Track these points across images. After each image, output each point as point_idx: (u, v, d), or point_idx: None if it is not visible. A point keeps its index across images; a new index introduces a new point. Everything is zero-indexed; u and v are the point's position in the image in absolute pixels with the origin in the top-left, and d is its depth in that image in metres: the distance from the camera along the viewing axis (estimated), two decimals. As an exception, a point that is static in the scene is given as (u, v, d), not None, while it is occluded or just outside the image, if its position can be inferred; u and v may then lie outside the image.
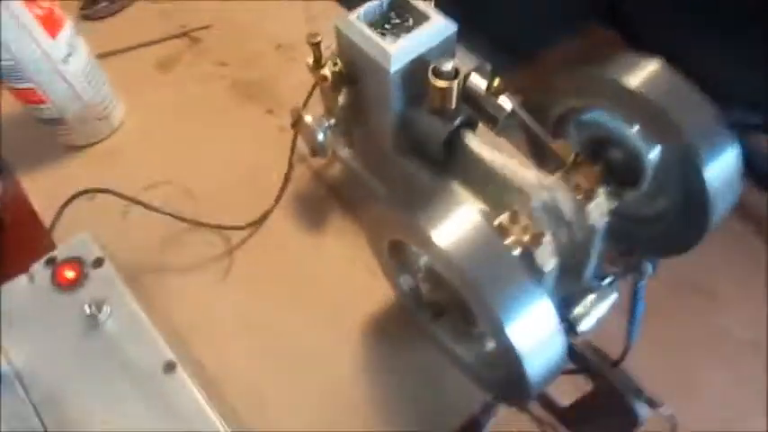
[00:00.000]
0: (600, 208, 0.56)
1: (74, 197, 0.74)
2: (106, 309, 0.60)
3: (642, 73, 0.54)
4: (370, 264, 0.67)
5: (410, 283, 0.62)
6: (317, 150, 0.68)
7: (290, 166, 0.77)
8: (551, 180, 0.57)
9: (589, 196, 0.56)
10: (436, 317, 0.56)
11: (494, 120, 0.59)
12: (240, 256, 0.73)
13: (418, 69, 0.58)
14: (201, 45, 0.94)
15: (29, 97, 0.74)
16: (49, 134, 0.80)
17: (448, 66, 0.56)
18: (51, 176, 0.79)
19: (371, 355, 0.65)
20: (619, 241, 0.63)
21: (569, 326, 0.57)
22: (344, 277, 0.70)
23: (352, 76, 0.63)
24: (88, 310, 0.59)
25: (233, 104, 0.86)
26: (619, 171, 0.58)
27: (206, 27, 0.95)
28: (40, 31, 0.70)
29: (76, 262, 0.63)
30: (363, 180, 0.75)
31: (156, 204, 0.71)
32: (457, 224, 0.48)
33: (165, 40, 0.93)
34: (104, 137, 0.83)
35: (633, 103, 0.54)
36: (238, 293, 0.70)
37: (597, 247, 0.57)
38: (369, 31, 0.58)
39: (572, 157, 0.59)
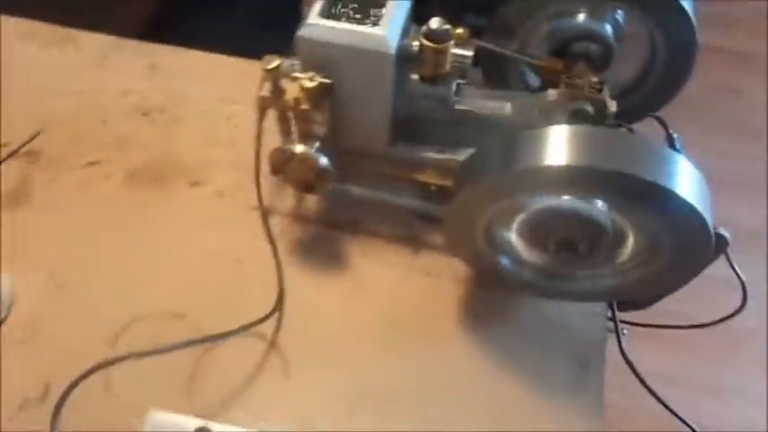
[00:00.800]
0: (609, 95, 0.60)
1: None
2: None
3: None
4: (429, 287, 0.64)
5: (525, 248, 0.58)
6: (317, 182, 0.60)
7: (265, 221, 0.66)
8: (569, 92, 0.59)
9: (598, 89, 0.60)
10: (572, 257, 0.54)
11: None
12: (287, 341, 0.61)
13: (404, 43, 0.54)
14: (45, 156, 0.74)
15: None
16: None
17: (437, 25, 0.54)
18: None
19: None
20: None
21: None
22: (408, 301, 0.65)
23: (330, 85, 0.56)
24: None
25: (146, 199, 0.71)
26: (591, 59, 0.64)
27: (37, 134, 0.75)
28: None
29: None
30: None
31: (145, 347, 0.55)
32: (568, 140, 0.47)
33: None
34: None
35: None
36: (311, 373, 0.59)
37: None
38: (346, 25, 0.53)
39: (560, 65, 0.62)
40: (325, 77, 0.55)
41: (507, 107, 0.62)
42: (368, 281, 0.65)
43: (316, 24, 0.53)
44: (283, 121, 0.61)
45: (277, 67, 0.55)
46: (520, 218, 0.54)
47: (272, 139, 0.63)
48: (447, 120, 0.60)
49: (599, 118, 0.60)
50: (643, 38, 0.64)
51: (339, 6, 0.55)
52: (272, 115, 0.62)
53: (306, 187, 0.61)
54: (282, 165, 0.59)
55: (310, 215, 0.69)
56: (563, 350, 0.61)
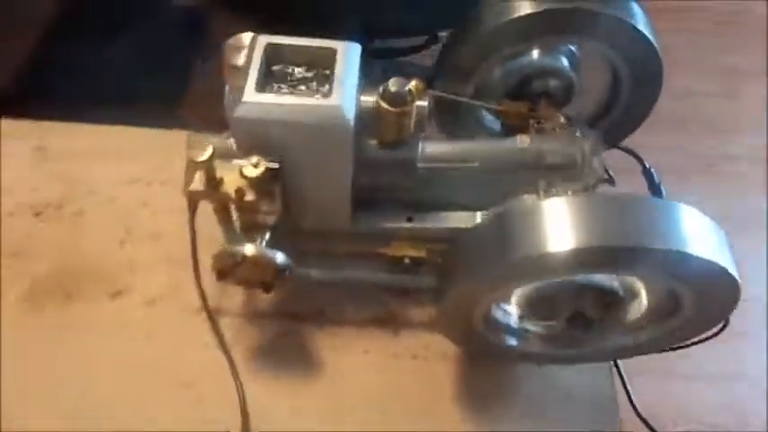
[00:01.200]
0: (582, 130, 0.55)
1: None
2: None
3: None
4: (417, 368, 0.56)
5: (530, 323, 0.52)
6: (275, 281, 0.50)
7: (215, 326, 0.56)
8: (541, 138, 0.53)
9: (565, 127, 0.55)
10: (584, 327, 0.48)
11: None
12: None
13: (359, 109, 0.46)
14: None
15: None
16: None
17: (398, 87, 0.46)
18: None
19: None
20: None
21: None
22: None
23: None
24: None
25: (54, 320, 0.57)
26: (551, 96, 0.59)
27: None
28: None
29: None
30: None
31: None
32: (568, 218, 0.41)
33: None
34: None
35: (538, 23, 0.54)
36: None
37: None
38: (291, 99, 0.44)
39: (525, 108, 0.56)
40: (272, 161, 0.46)
41: (475, 159, 0.56)
42: (346, 378, 0.56)
43: (254, 102, 0.43)
44: (223, 212, 0.51)
45: (210, 158, 0.44)
46: (522, 298, 0.48)
47: (206, 225, 0.52)
48: (411, 183, 0.53)
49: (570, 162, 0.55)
50: (601, 66, 0.59)
51: (276, 76, 0.46)
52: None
53: (262, 287, 0.51)
54: (231, 269, 0.49)
55: (266, 310, 0.59)
56: (575, 419, 0.55)
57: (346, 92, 0.44)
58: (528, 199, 0.51)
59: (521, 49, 0.58)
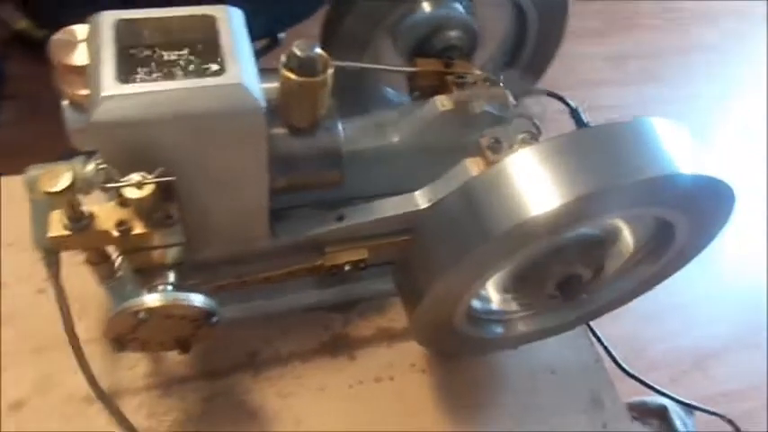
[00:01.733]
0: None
1: None
2: None
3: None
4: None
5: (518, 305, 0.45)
6: (198, 332, 0.37)
7: (121, 419, 0.42)
8: (462, 94, 0.46)
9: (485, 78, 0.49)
10: (571, 289, 0.41)
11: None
12: None
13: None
14: None
15: None
16: None
17: (305, 50, 0.36)
18: None
19: None
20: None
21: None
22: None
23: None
24: None
25: None
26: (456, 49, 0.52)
27: None
28: None
29: None
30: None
31: None
32: (539, 173, 0.34)
33: None
34: None
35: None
36: None
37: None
38: (171, 84, 0.32)
39: (441, 65, 0.49)
40: (162, 175, 0.33)
41: (394, 134, 0.48)
42: (306, 425, 0.45)
43: (118, 96, 0.31)
44: (100, 262, 0.37)
45: (71, 186, 0.31)
46: (504, 279, 0.40)
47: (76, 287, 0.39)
48: (338, 175, 0.43)
49: (503, 114, 0.49)
50: (504, 9, 0.54)
51: (137, 62, 0.34)
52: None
53: (178, 347, 0.38)
54: (131, 333, 0.35)
55: (182, 373, 0.46)
56: (570, 394, 0.49)
57: (244, 66, 0.33)
58: (473, 163, 0.44)
59: (409, 7, 0.51)
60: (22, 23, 1.25)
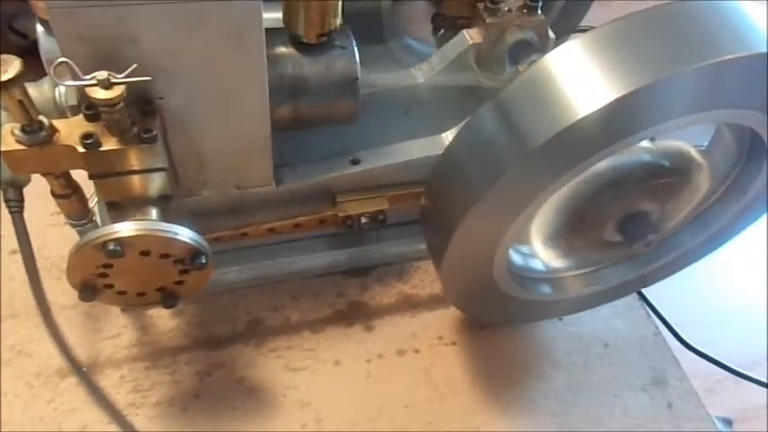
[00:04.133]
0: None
1: None
2: None
3: None
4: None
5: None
6: (187, 277, 0.31)
7: (112, 411, 0.35)
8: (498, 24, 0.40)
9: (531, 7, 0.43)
10: (636, 230, 0.34)
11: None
12: None
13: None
14: None
15: None
16: None
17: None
18: None
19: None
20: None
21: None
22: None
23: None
24: None
25: None
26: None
27: None
28: None
29: None
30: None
31: None
32: (580, 69, 0.28)
33: None
34: None
35: None
36: None
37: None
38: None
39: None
40: (134, 74, 0.27)
41: (417, 74, 0.42)
42: (317, 407, 0.38)
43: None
44: (64, 191, 0.31)
45: (19, 75, 0.25)
46: (553, 230, 0.33)
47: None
48: (353, 103, 0.37)
49: (541, 45, 0.43)
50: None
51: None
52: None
53: (162, 299, 0.32)
54: (102, 276, 0.29)
55: (175, 342, 0.39)
56: (627, 370, 0.42)
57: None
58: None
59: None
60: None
